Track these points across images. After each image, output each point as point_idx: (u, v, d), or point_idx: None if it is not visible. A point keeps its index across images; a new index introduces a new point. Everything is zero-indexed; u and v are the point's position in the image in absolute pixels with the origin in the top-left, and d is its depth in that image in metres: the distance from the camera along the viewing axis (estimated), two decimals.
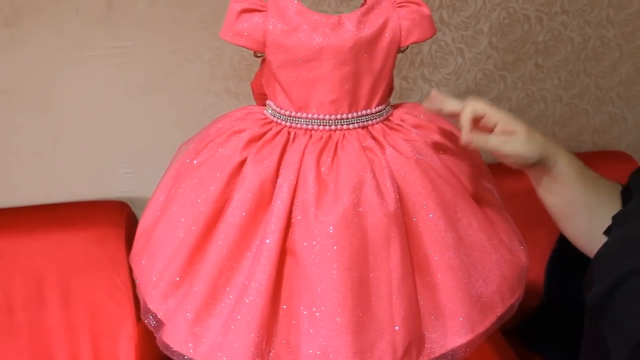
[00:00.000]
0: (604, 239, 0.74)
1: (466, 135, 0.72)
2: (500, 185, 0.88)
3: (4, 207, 1.39)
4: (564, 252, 1.46)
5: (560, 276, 1.45)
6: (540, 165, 0.74)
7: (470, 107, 0.73)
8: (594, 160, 1.67)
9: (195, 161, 0.79)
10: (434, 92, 0.75)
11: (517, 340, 1.44)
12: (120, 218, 1.36)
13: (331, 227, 0.69)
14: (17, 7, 1.24)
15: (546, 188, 0.77)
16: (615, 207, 0.77)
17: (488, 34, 1.49)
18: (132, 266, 0.83)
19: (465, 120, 0.72)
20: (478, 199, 0.81)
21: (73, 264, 1.30)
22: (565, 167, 0.75)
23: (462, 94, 1.54)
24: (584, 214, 0.76)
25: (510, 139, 0.72)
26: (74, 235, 1.31)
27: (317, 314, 0.69)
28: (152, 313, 0.76)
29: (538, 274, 1.46)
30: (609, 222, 0.75)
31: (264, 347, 0.70)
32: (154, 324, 0.76)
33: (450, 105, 0.74)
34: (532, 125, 0.74)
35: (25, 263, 1.29)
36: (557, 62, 1.59)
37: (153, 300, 0.76)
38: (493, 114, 0.73)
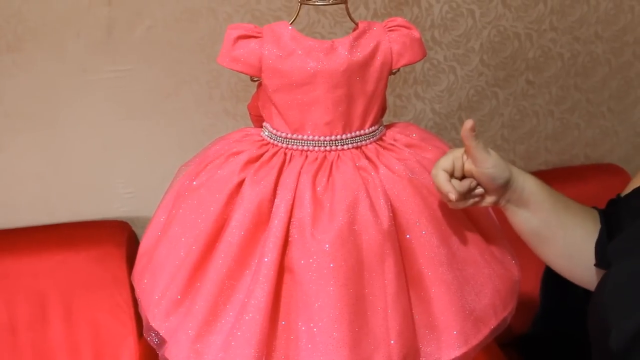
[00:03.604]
0: (583, 262, 0.76)
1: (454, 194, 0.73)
2: None
3: (7, 228, 1.41)
4: None
5: (556, 288, 1.47)
6: (510, 186, 0.76)
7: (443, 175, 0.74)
8: (587, 173, 1.70)
9: (194, 182, 0.81)
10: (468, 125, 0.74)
11: (514, 352, 1.45)
12: (121, 237, 1.37)
13: (327, 245, 0.71)
14: (19, 33, 1.27)
15: (519, 214, 0.78)
16: (591, 229, 0.78)
17: (479, 51, 1.52)
18: (135, 285, 0.85)
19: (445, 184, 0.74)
20: (470, 215, 0.83)
21: (75, 283, 1.31)
22: (533, 186, 0.77)
23: (455, 111, 1.57)
24: (558, 235, 0.78)
25: (486, 158, 0.73)
26: (76, 254, 1.33)
27: (315, 329, 0.70)
28: (155, 331, 0.78)
29: (534, 287, 1.47)
30: (586, 244, 0.77)
31: None
32: (157, 342, 0.78)
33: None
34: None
35: (28, 283, 1.30)
36: (548, 77, 1.61)
37: (155, 318, 0.78)
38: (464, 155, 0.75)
